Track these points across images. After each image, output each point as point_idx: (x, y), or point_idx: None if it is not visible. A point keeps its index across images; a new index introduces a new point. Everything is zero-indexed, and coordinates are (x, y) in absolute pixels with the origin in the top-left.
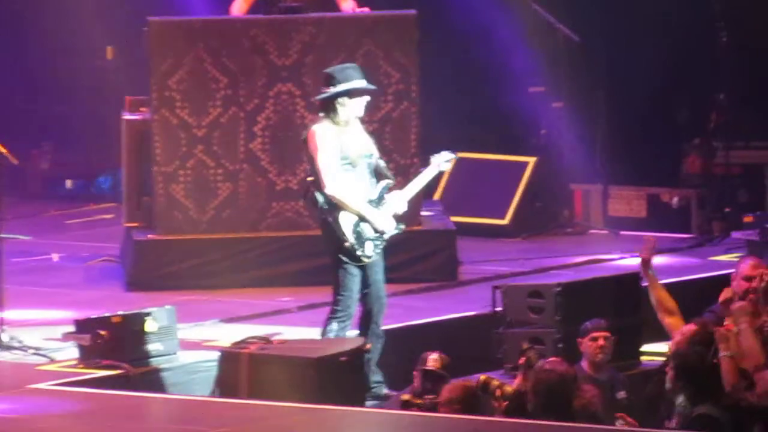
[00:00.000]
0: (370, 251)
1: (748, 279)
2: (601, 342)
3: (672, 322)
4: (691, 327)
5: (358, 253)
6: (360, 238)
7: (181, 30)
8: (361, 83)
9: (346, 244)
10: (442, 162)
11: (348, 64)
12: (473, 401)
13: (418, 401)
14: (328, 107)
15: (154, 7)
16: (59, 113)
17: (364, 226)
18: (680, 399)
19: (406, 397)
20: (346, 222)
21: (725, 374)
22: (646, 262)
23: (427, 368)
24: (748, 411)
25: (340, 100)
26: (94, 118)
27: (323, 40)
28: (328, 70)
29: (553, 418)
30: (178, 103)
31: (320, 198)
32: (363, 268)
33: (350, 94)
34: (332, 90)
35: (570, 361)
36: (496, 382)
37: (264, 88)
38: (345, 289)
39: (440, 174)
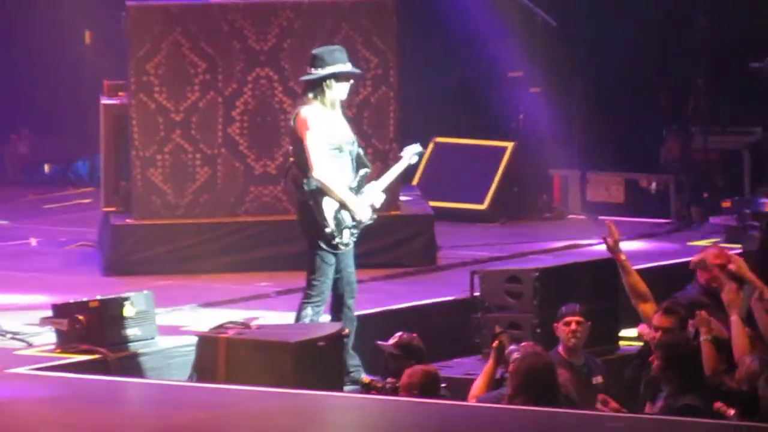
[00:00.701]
0: (347, 239)
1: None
2: (573, 326)
3: (645, 307)
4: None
5: (336, 240)
6: (339, 225)
7: (159, 15)
8: (347, 66)
9: (326, 230)
10: (412, 155)
11: (335, 47)
12: (433, 386)
13: (378, 384)
14: (316, 89)
15: None
16: (37, 98)
17: (344, 213)
18: (667, 387)
19: (366, 379)
20: (328, 208)
21: (705, 358)
22: (613, 248)
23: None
24: (727, 396)
25: (327, 82)
26: (72, 103)
27: (301, 24)
28: (316, 51)
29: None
30: (156, 87)
31: (304, 181)
32: (336, 254)
33: (337, 77)
34: (320, 72)
35: (547, 346)
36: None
37: (242, 73)
38: (320, 274)
39: (416, 163)
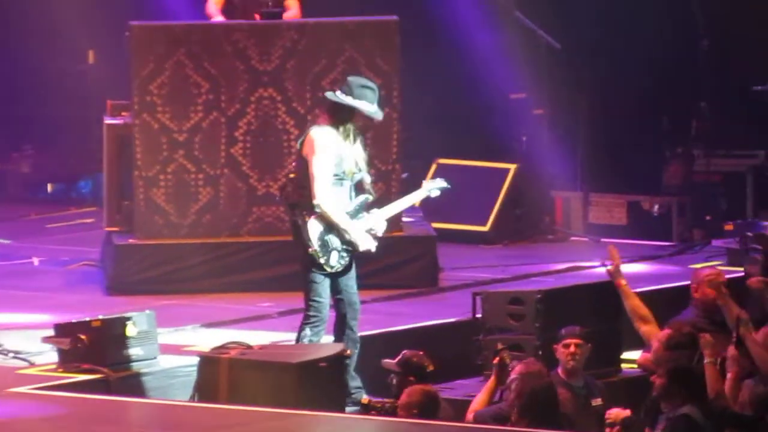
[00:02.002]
0: (335, 262)
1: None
2: (572, 349)
3: (648, 329)
4: (666, 331)
5: (321, 261)
6: (325, 247)
7: (163, 34)
8: (370, 109)
9: (310, 250)
10: (433, 188)
11: (370, 84)
12: (432, 406)
13: (378, 404)
14: (334, 111)
15: (136, 11)
16: (41, 117)
17: (331, 236)
18: (668, 405)
19: (366, 400)
20: (314, 229)
21: (709, 381)
22: (614, 273)
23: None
24: (730, 419)
25: (346, 111)
26: (75, 122)
27: (305, 45)
28: (352, 77)
29: (537, 424)
30: (160, 107)
31: (297, 201)
32: (332, 275)
33: (353, 113)
34: (342, 98)
35: (549, 368)
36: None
37: (245, 93)
38: (315, 294)
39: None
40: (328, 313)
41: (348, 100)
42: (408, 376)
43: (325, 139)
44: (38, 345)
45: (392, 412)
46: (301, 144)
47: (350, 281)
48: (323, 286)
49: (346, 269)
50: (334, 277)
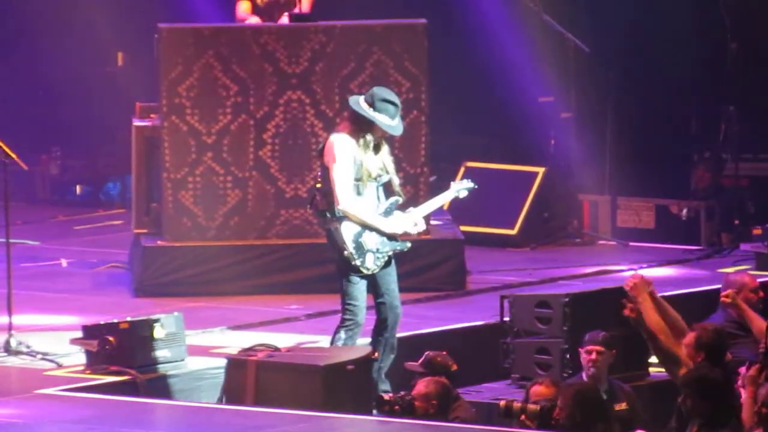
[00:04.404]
0: (371, 263)
1: (755, 291)
2: (593, 356)
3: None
4: (692, 333)
5: (357, 263)
6: (360, 248)
7: (192, 37)
8: (388, 124)
9: (345, 253)
10: (461, 189)
11: (394, 99)
12: (449, 397)
13: (391, 398)
14: (356, 119)
15: (164, 13)
16: (69, 119)
17: (366, 237)
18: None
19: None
20: (347, 231)
21: (746, 415)
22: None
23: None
24: None
25: (365, 121)
26: (103, 124)
27: (333, 48)
28: (378, 88)
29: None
30: (188, 109)
31: (326, 209)
32: (371, 277)
33: (372, 125)
34: (364, 109)
35: (576, 371)
36: (517, 405)
37: (274, 96)
38: (351, 298)
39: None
40: (364, 317)
41: (369, 111)
42: (432, 376)
43: (342, 145)
44: (66, 347)
45: (410, 404)
46: (320, 153)
47: (392, 285)
48: (359, 289)
49: (387, 272)
50: (375, 281)
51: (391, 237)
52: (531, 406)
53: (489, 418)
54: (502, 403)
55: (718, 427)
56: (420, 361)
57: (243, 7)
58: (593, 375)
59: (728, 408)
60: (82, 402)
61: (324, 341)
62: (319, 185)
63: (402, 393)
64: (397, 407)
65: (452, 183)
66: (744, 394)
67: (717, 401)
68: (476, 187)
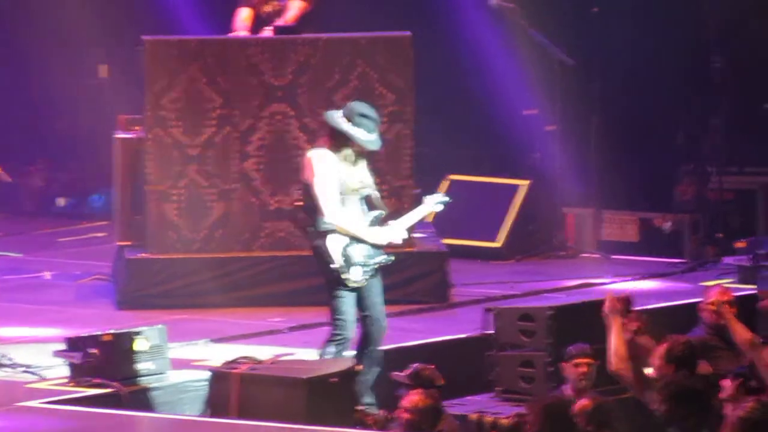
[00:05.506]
0: (358, 276)
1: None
2: (583, 369)
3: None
4: (664, 345)
5: (344, 276)
6: (348, 261)
7: (176, 49)
8: (365, 138)
9: (332, 266)
10: (434, 203)
11: (371, 114)
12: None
13: (370, 415)
14: (334, 134)
15: (149, 25)
16: (53, 131)
17: (352, 250)
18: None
19: (360, 412)
20: (334, 245)
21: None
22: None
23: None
24: None
25: (342, 137)
26: (88, 137)
27: (318, 60)
28: (355, 103)
29: None
30: (172, 122)
31: (311, 225)
32: (358, 291)
33: (350, 140)
34: (340, 124)
35: (560, 384)
36: (488, 418)
37: (258, 108)
38: (339, 312)
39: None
40: (353, 332)
41: (345, 126)
42: (418, 389)
43: (320, 160)
44: (49, 359)
45: (384, 424)
46: (302, 169)
47: (377, 298)
48: (348, 303)
49: (373, 286)
50: (361, 294)
51: (377, 249)
52: (503, 421)
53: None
54: (473, 416)
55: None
56: (407, 372)
57: (243, 15)
58: (584, 387)
59: (704, 416)
60: (65, 414)
61: (307, 354)
62: (299, 203)
63: (380, 412)
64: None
65: (425, 197)
66: (726, 407)
67: (693, 408)
68: (450, 200)
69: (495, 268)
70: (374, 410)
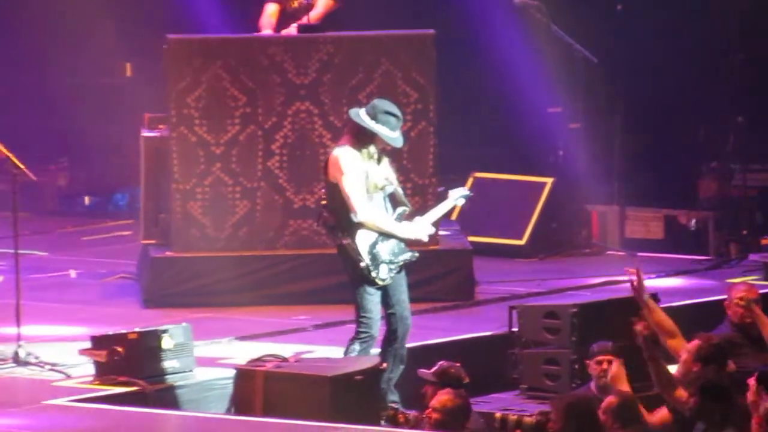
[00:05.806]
0: (385, 274)
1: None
2: (605, 366)
3: (674, 343)
4: (695, 342)
5: (373, 275)
6: (375, 260)
7: (200, 48)
8: (390, 135)
9: (362, 264)
10: (458, 197)
11: (395, 111)
12: (466, 412)
13: (402, 415)
14: (356, 132)
15: (173, 24)
16: (77, 129)
17: (380, 248)
18: (703, 425)
19: (391, 411)
20: (362, 243)
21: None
22: (638, 288)
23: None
24: None
25: (367, 134)
26: (112, 135)
27: (341, 59)
28: (379, 100)
29: None
30: (197, 120)
31: (335, 224)
32: (384, 289)
33: (374, 137)
34: (365, 121)
35: (585, 381)
36: (512, 417)
37: (282, 107)
38: (365, 310)
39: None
40: (378, 330)
41: (370, 123)
42: (444, 386)
43: (345, 157)
44: (75, 357)
45: (416, 423)
46: (325, 169)
47: (402, 296)
48: (374, 301)
49: (398, 283)
50: (386, 291)
51: (403, 247)
52: (527, 419)
53: (503, 428)
54: (498, 415)
55: (723, 427)
56: (433, 370)
57: (270, 10)
58: (605, 384)
59: (729, 412)
60: (90, 413)
61: (332, 352)
62: (324, 202)
63: (412, 413)
64: (406, 424)
65: (449, 191)
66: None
67: (722, 404)
68: (472, 194)
69: (519, 265)
70: (399, 408)
